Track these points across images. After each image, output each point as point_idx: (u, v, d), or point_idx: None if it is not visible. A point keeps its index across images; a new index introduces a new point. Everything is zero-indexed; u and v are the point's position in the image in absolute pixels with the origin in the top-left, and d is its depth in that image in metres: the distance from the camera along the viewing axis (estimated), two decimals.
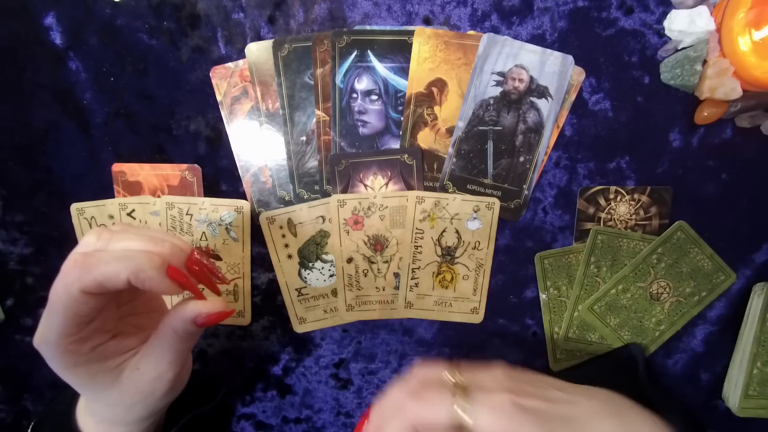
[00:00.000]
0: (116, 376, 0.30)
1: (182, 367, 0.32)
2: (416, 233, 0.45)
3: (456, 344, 0.48)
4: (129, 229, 0.31)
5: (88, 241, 0.30)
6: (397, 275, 0.46)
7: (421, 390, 0.27)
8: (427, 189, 0.45)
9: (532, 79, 0.43)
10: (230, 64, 0.43)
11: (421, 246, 0.45)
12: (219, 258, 0.46)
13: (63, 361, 0.28)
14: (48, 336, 0.28)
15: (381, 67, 0.43)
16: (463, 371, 0.28)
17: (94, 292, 0.27)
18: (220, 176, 0.45)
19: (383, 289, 0.46)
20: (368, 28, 0.43)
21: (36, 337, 0.28)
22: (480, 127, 0.44)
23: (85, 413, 0.33)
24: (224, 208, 0.45)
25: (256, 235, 0.46)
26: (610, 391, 0.29)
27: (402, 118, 0.44)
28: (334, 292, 0.46)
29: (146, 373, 0.30)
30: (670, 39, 0.42)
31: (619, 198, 0.45)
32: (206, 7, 0.42)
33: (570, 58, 0.42)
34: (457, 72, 0.43)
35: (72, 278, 0.27)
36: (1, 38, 0.43)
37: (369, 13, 0.43)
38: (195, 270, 0.30)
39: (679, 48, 0.42)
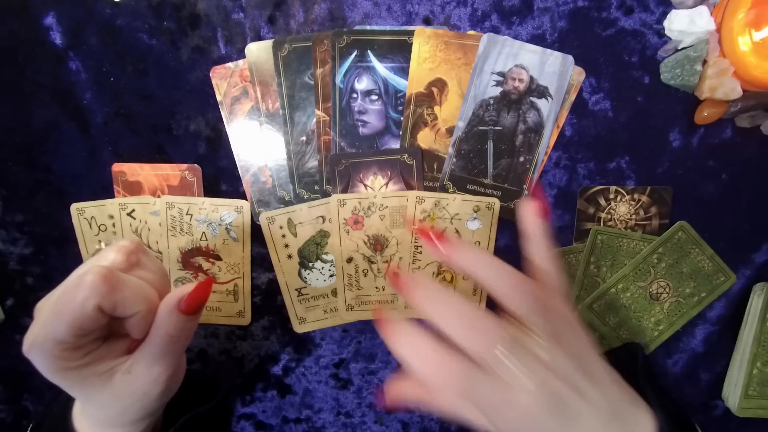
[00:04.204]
0: (107, 379, 0.30)
1: (176, 368, 0.32)
2: (416, 233, 0.45)
3: None
4: (150, 258, 0.32)
5: (112, 258, 0.29)
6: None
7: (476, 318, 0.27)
8: (427, 189, 0.45)
9: (532, 79, 0.43)
10: (230, 64, 0.43)
11: (421, 246, 0.45)
12: (219, 258, 0.46)
13: (54, 365, 0.28)
14: (43, 341, 0.27)
15: (381, 67, 0.43)
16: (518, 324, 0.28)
17: (106, 312, 0.27)
18: (220, 176, 0.45)
19: (383, 289, 0.46)
20: (368, 28, 0.43)
21: (27, 341, 0.28)
22: (480, 127, 0.44)
23: (80, 416, 0.33)
24: (224, 208, 0.45)
25: (256, 235, 0.46)
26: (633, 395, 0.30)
27: (402, 118, 0.44)
28: (334, 292, 0.46)
29: (139, 377, 0.30)
30: (670, 39, 0.42)
31: (619, 198, 0.45)
32: (206, 7, 0.42)
33: (570, 58, 0.42)
34: (457, 72, 0.43)
35: (92, 293, 0.26)
36: (1, 38, 0.43)
37: (369, 13, 0.43)
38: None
39: (679, 48, 0.42)
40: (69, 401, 0.34)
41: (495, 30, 0.43)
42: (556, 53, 0.42)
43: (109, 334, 0.30)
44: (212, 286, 0.33)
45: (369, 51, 0.43)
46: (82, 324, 0.27)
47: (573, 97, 0.43)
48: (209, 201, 0.45)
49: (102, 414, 0.31)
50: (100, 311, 0.27)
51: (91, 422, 0.32)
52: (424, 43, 0.42)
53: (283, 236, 0.45)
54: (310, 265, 0.46)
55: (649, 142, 0.44)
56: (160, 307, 0.29)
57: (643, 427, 0.29)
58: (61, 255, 0.46)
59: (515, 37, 0.42)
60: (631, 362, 0.43)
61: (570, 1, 0.42)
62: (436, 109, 0.44)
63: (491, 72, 0.43)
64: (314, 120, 0.44)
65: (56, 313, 0.27)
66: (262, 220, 0.45)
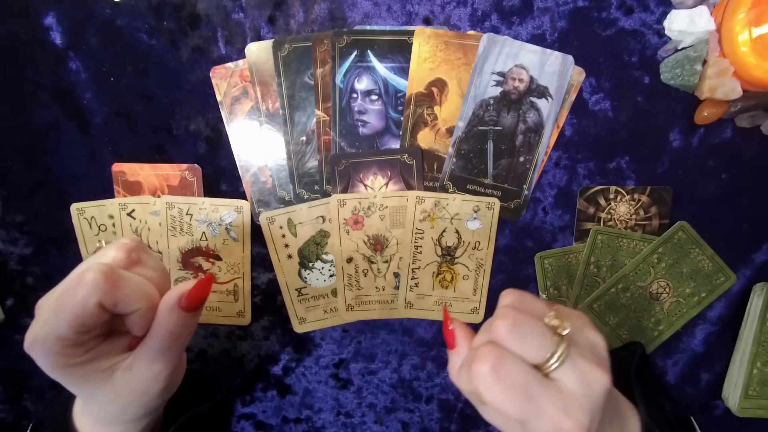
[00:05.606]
0: (108, 376, 0.30)
1: (176, 366, 0.32)
2: (416, 233, 0.45)
3: None
4: (150, 256, 0.32)
5: (112, 255, 0.29)
6: (397, 275, 0.46)
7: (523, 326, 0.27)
8: (427, 189, 0.45)
9: (532, 79, 0.43)
10: (230, 64, 0.43)
11: (421, 246, 0.45)
12: (219, 258, 0.46)
13: (55, 362, 0.28)
14: (45, 338, 0.27)
15: (381, 67, 0.43)
16: (562, 315, 0.28)
17: (107, 309, 0.27)
18: (220, 176, 0.45)
19: (383, 289, 0.46)
20: (368, 28, 0.43)
21: (29, 338, 0.28)
22: (480, 127, 0.44)
23: (81, 414, 0.33)
24: (224, 208, 0.45)
25: (256, 235, 0.46)
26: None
27: (402, 118, 0.44)
28: (334, 292, 0.46)
29: (139, 374, 0.30)
30: (670, 39, 0.42)
31: (619, 198, 0.45)
32: (206, 7, 0.42)
33: (570, 58, 0.42)
34: (457, 72, 0.43)
35: (93, 290, 0.26)
36: (1, 38, 0.43)
37: (369, 13, 0.43)
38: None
39: (679, 48, 0.42)
40: (69, 400, 0.34)
41: (495, 30, 0.43)
42: (556, 53, 0.42)
43: (110, 331, 0.30)
44: (212, 284, 0.33)
45: (369, 51, 0.43)
46: (83, 321, 0.27)
47: (573, 97, 0.43)
48: (209, 201, 0.45)
49: (102, 411, 0.31)
50: (101, 308, 0.27)
51: (92, 420, 0.32)
52: (424, 43, 0.42)
53: (283, 236, 0.45)
54: (310, 265, 0.46)
55: (649, 142, 0.44)
56: (160, 304, 0.30)
57: (633, 423, 0.30)
58: (61, 255, 0.46)
59: (515, 37, 0.42)
60: (628, 361, 0.43)
61: (570, 1, 0.42)
62: (436, 109, 0.44)
63: (491, 72, 0.43)
64: (314, 120, 0.44)
65: (58, 310, 0.27)
66: (262, 220, 0.45)
